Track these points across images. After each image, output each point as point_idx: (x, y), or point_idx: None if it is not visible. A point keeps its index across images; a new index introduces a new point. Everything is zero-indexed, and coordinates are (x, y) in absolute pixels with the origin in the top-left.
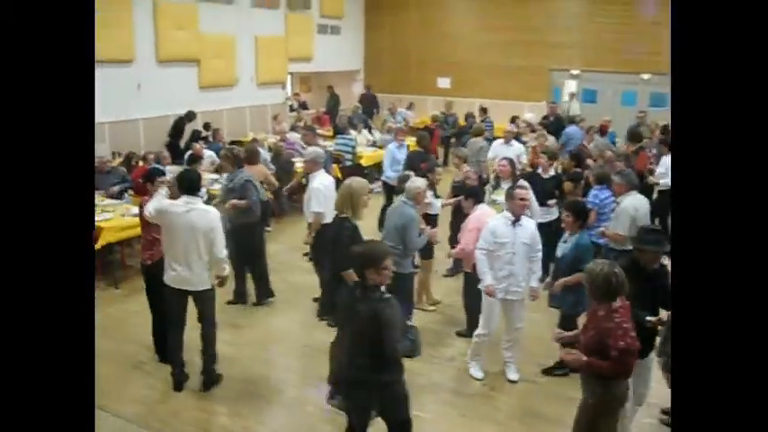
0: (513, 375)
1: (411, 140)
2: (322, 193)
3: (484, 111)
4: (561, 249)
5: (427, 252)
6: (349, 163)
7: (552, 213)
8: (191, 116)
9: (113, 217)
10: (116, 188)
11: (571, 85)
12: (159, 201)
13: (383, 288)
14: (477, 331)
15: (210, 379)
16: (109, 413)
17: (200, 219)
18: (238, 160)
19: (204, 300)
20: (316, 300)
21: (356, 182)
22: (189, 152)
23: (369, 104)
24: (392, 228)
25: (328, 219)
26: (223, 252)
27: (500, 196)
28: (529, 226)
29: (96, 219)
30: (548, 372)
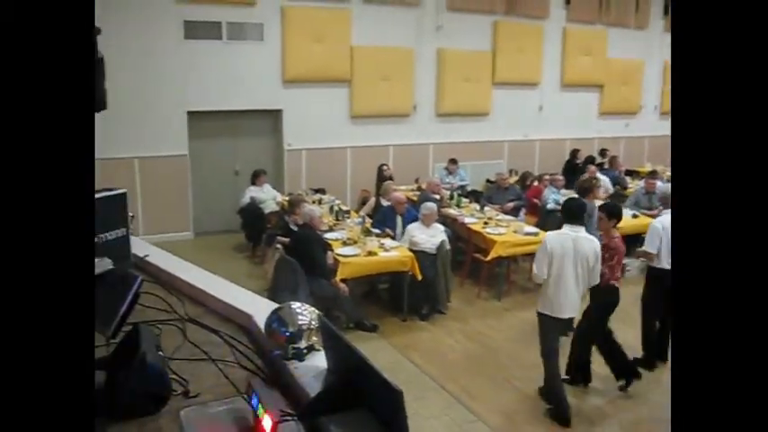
0: None
1: None
2: (657, 232)
3: None
4: None
5: None
6: None
7: None
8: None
9: (506, 232)
10: (511, 204)
11: None
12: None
13: None
14: None
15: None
16: (477, 418)
17: (584, 246)
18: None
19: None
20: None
21: None
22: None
23: None
24: None
25: (663, 263)
26: (597, 280)
27: None
28: None
29: (490, 232)
30: None
